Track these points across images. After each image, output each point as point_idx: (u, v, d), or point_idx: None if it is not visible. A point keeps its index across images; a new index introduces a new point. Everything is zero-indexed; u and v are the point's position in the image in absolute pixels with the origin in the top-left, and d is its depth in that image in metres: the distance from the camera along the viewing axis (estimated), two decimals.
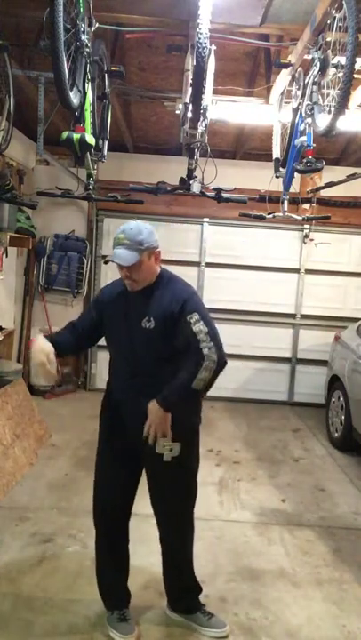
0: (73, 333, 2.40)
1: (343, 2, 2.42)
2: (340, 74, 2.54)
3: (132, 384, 2.27)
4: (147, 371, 2.25)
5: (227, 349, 2.20)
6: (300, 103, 3.46)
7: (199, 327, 2.12)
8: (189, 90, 3.13)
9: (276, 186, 4.70)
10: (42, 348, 2.23)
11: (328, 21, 2.73)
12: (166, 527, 2.39)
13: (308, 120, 3.13)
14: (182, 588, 2.48)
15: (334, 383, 5.35)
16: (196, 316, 2.14)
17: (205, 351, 2.09)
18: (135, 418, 2.22)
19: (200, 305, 2.23)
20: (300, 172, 3.66)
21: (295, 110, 3.69)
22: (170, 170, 5.06)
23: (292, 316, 6.65)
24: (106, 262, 2.25)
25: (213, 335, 2.13)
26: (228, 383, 6.18)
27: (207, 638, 2.39)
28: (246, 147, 6.34)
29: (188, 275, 5.98)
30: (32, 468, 4.09)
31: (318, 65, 2.89)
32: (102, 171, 5.61)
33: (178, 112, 4.21)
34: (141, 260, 2.16)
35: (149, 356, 2.24)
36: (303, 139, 3.30)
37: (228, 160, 6.52)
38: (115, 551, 2.41)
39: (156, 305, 2.22)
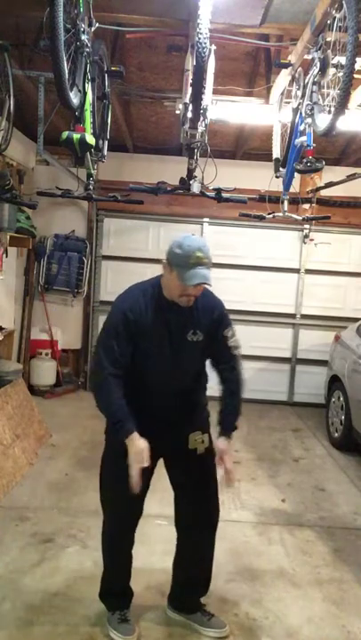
0: (118, 381, 2.15)
1: (343, 2, 2.42)
2: (340, 74, 2.54)
3: (175, 399, 2.23)
4: (187, 384, 2.29)
5: None
6: (300, 103, 3.46)
7: (235, 343, 2.27)
8: (189, 90, 3.13)
9: (276, 186, 4.70)
10: (143, 449, 2.06)
11: (328, 21, 2.73)
12: (202, 521, 2.37)
13: (308, 120, 3.13)
14: (197, 585, 2.47)
15: (334, 383, 5.35)
16: (232, 330, 2.27)
17: (240, 369, 2.31)
18: (173, 428, 2.24)
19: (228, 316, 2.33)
20: (300, 172, 3.66)
21: (295, 110, 3.68)
22: (170, 170, 5.07)
23: (292, 316, 6.65)
24: (197, 284, 2.09)
25: (240, 351, 2.30)
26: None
27: (207, 638, 2.38)
28: (246, 147, 6.34)
29: None
30: (32, 467, 4.09)
31: (318, 65, 2.88)
32: (102, 171, 5.61)
33: (178, 112, 4.21)
34: None
35: (192, 369, 2.29)
36: (303, 139, 3.30)
37: (228, 160, 6.51)
38: (126, 554, 2.39)
39: (201, 316, 2.22)
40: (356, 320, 5.65)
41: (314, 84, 2.99)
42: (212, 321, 2.24)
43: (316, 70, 2.92)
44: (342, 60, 2.51)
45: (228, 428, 2.27)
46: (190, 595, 2.48)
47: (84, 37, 2.54)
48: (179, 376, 2.23)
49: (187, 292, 2.10)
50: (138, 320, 2.14)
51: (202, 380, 2.38)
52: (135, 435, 2.06)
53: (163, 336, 2.17)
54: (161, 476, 2.36)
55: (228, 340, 2.26)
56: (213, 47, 3.27)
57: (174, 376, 2.22)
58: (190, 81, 3.08)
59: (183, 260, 2.05)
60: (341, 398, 5.07)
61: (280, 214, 4.87)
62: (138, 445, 2.04)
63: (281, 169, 4.43)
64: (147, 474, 2.27)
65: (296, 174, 4.28)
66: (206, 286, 2.18)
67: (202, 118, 3.38)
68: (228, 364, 2.30)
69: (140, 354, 2.18)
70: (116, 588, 2.43)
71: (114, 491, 2.27)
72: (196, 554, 2.43)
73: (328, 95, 2.87)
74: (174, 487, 2.38)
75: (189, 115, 3.27)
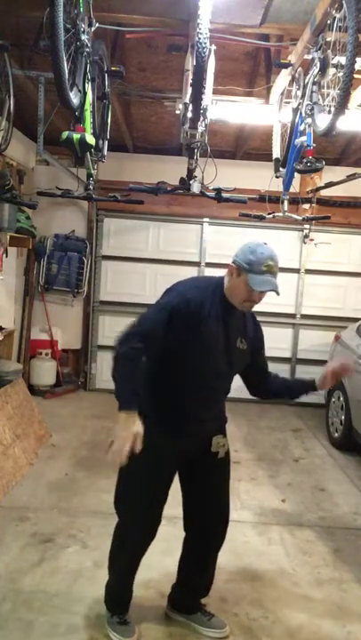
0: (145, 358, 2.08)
1: (343, 2, 2.42)
2: (340, 74, 2.54)
3: (210, 401, 2.25)
4: (225, 387, 2.31)
5: None
6: (300, 103, 3.46)
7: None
8: (189, 90, 3.13)
9: (276, 186, 4.70)
10: (138, 434, 1.93)
11: (328, 21, 2.73)
12: (215, 524, 2.36)
13: (308, 120, 3.13)
14: (200, 588, 2.47)
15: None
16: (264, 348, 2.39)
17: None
18: (205, 428, 2.25)
19: None
20: (300, 171, 3.67)
21: (295, 110, 3.69)
22: (170, 170, 5.06)
23: (292, 316, 6.66)
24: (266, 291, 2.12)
25: None
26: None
27: (207, 638, 2.38)
28: (246, 147, 6.34)
29: (188, 275, 6.03)
30: (32, 468, 4.09)
31: (318, 65, 2.88)
32: (102, 171, 5.61)
33: (178, 112, 4.21)
34: None
35: (232, 375, 2.32)
36: (303, 139, 3.30)
37: (228, 160, 6.51)
38: (139, 561, 2.37)
39: (248, 325, 2.28)
40: (356, 320, 5.65)
41: (314, 83, 2.99)
42: (256, 332, 2.32)
43: (316, 70, 2.92)
44: (342, 60, 2.51)
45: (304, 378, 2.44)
46: (192, 596, 2.48)
47: (84, 37, 2.54)
48: (221, 380, 2.25)
49: (252, 297, 2.13)
50: (196, 314, 2.10)
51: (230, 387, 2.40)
52: (136, 415, 1.95)
53: (218, 338, 2.16)
54: None
55: (265, 358, 2.40)
56: (213, 47, 3.27)
57: (218, 379, 2.23)
58: (190, 81, 3.08)
59: (255, 266, 2.09)
60: (341, 398, 5.06)
61: (280, 214, 4.87)
62: (135, 427, 1.93)
63: (281, 169, 4.44)
64: (170, 482, 2.28)
65: (296, 174, 4.29)
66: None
67: (202, 118, 3.38)
68: (267, 372, 2.43)
69: (192, 350, 2.13)
70: (121, 593, 2.41)
71: (142, 500, 2.23)
72: (203, 559, 2.42)
73: (328, 95, 2.87)
74: (188, 491, 2.36)
75: (189, 115, 3.27)
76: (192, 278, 2.33)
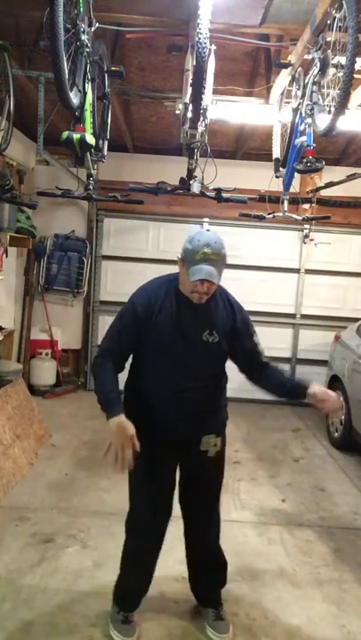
0: (117, 370, 2.17)
1: (343, 2, 2.42)
2: (340, 74, 2.54)
3: (190, 399, 2.18)
4: (204, 384, 2.22)
5: None
6: (300, 103, 3.46)
7: (261, 347, 2.33)
8: (189, 90, 3.13)
9: (276, 186, 4.70)
10: (127, 429, 1.99)
11: (328, 21, 2.73)
12: (208, 521, 2.39)
13: (308, 120, 3.13)
14: (215, 578, 2.49)
15: (334, 383, 5.34)
16: (257, 337, 2.32)
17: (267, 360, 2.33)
18: (187, 427, 2.21)
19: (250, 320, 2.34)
20: (300, 172, 3.66)
21: (295, 110, 3.69)
22: (170, 170, 5.06)
23: (292, 316, 6.66)
24: (199, 280, 2.03)
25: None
26: (228, 383, 6.18)
27: (206, 638, 2.38)
28: (246, 147, 6.34)
29: None
30: (32, 467, 4.09)
31: (318, 65, 2.88)
32: (102, 171, 5.61)
33: (178, 112, 4.21)
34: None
35: (209, 370, 2.23)
36: (303, 139, 3.30)
37: (228, 160, 6.52)
38: (152, 556, 2.37)
39: (218, 318, 2.19)
40: (356, 320, 5.64)
41: (314, 83, 2.99)
42: (233, 327, 2.22)
43: (316, 70, 2.92)
44: (342, 60, 2.51)
45: (300, 383, 2.33)
46: (200, 589, 2.50)
47: (84, 37, 2.54)
48: (194, 375, 2.18)
49: (196, 288, 2.07)
50: (148, 315, 2.13)
51: (221, 382, 2.34)
52: (122, 417, 2.02)
53: (175, 333, 2.13)
54: None
55: (258, 347, 2.30)
56: (213, 47, 3.27)
57: (189, 375, 2.17)
58: (190, 81, 3.07)
59: (191, 255, 2.03)
60: (341, 398, 5.06)
61: (280, 214, 4.87)
62: (128, 429, 2.00)
63: (281, 169, 4.44)
64: (170, 473, 2.29)
65: (296, 174, 4.28)
66: (219, 287, 2.17)
67: (202, 118, 3.38)
68: (262, 366, 2.32)
69: (154, 350, 2.16)
70: (126, 587, 2.40)
71: (140, 490, 2.28)
72: (201, 553, 2.45)
73: (328, 95, 2.87)
74: (179, 484, 2.38)
75: (189, 115, 3.26)
76: (152, 279, 2.27)
